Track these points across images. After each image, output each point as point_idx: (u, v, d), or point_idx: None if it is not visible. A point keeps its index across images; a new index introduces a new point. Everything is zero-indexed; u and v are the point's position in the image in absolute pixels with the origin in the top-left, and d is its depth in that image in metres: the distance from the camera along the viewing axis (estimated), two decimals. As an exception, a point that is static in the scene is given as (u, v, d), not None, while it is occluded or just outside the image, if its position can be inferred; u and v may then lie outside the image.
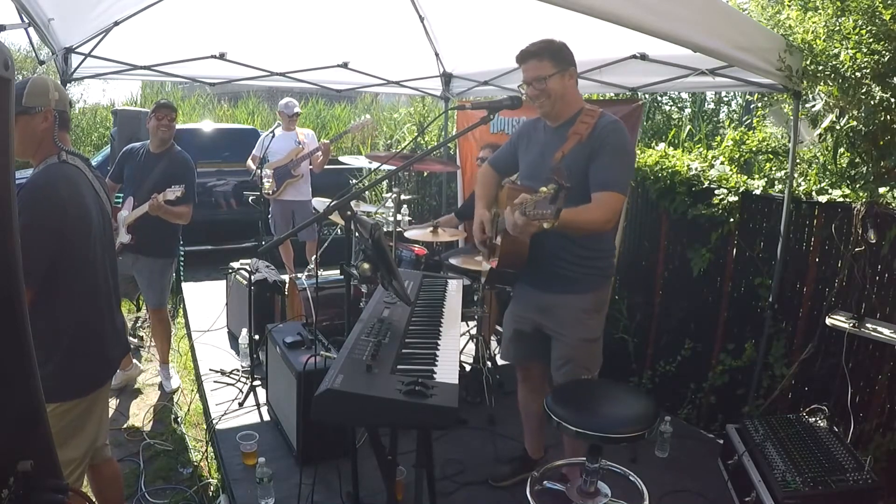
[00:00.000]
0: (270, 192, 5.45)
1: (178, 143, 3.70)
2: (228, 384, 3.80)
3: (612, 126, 2.25)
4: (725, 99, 6.57)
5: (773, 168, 3.76)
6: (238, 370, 3.95)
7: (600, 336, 2.46)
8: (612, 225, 2.27)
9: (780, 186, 3.24)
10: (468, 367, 3.81)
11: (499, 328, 4.60)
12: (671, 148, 4.10)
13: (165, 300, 3.85)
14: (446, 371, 1.67)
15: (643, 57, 3.42)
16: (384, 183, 6.71)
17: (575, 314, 2.37)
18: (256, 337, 3.94)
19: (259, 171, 4.97)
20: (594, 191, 2.19)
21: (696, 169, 3.54)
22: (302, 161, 5.42)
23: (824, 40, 2.89)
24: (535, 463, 2.81)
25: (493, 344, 4.22)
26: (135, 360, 4.08)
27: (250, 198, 5.61)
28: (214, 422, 3.30)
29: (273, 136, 5.13)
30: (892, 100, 2.74)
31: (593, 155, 2.21)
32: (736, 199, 3.28)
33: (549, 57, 2.26)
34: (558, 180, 1.85)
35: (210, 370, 3.99)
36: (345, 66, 4.57)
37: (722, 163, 3.62)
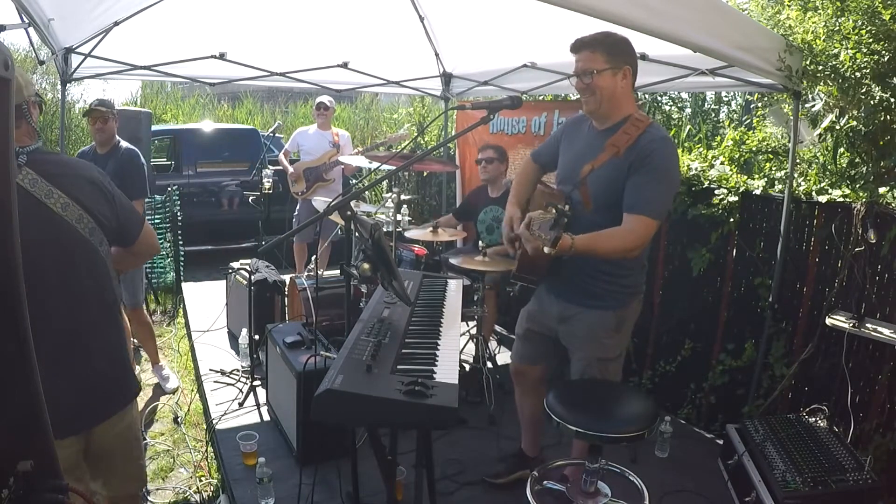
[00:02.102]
0: (299, 192, 5.45)
1: (179, 143, 3.68)
2: (228, 384, 3.80)
3: (658, 143, 2.06)
4: (725, 99, 6.57)
5: (773, 168, 3.76)
6: (238, 370, 3.95)
7: (620, 355, 2.36)
8: (639, 252, 2.13)
9: (780, 186, 3.24)
10: (468, 367, 3.81)
11: (498, 328, 4.61)
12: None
13: (140, 300, 3.84)
14: (446, 371, 1.67)
15: (643, 57, 3.41)
16: (384, 183, 6.71)
17: (593, 332, 2.27)
18: (256, 337, 3.94)
19: (259, 169, 4.98)
20: (625, 211, 2.05)
21: (696, 169, 3.54)
22: (335, 165, 5.41)
23: (824, 40, 2.89)
24: (531, 460, 2.80)
25: (493, 344, 4.21)
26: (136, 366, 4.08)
27: (250, 198, 5.62)
28: (214, 422, 3.30)
29: (274, 136, 5.13)
30: (892, 100, 2.74)
31: (631, 171, 2.05)
32: (736, 199, 3.28)
33: (602, 50, 2.09)
34: (560, 207, 1.79)
35: (210, 370, 3.99)
36: (345, 66, 4.57)
37: (722, 163, 3.62)
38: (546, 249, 1.76)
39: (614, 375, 2.37)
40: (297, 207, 5.62)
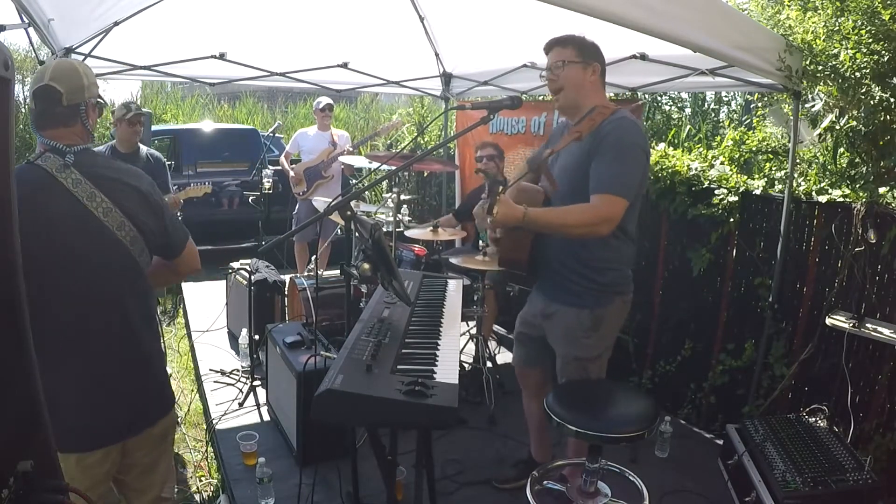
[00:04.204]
0: (300, 192, 5.45)
1: (179, 143, 3.74)
2: (228, 384, 3.80)
3: (616, 123, 2.10)
4: (725, 99, 6.58)
5: (773, 168, 3.76)
6: (238, 370, 3.95)
7: (600, 355, 2.32)
8: (606, 230, 2.09)
9: (780, 186, 3.24)
10: (468, 367, 3.81)
11: (497, 328, 4.61)
12: (671, 148, 4.10)
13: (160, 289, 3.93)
14: (446, 371, 1.67)
15: (643, 57, 3.42)
16: (384, 183, 6.71)
17: (570, 330, 2.27)
18: (256, 337, 3.94)
19: (259, 169, 4.98)
20: (591, 193, 2.09)
21: (696, 169, 3.54)
22: (332, 162, 5.41)
23: (824, 40, 2.89)
24: (540, 466, 2.80)
25: (493, 344, 4.21)
26: None
27: (250, 198, 5.62)
28: (214, 422, 3.30)
29: (274, 136, 5.14)
30: (892, 100, 2.74)
31: (592, 154, 2.10)
32: (736, 199, 3.27)
33: (573, 46, 2.19)
34: (491, 174, 1.86)
35: (210, 370, 3.99)
36: (345, 66, 4.57)
37: (722, 163, 3.62)
38: (488, 219, 1.82)
39: (595, 376, 2.34)
40: (297, 207, 5.63)
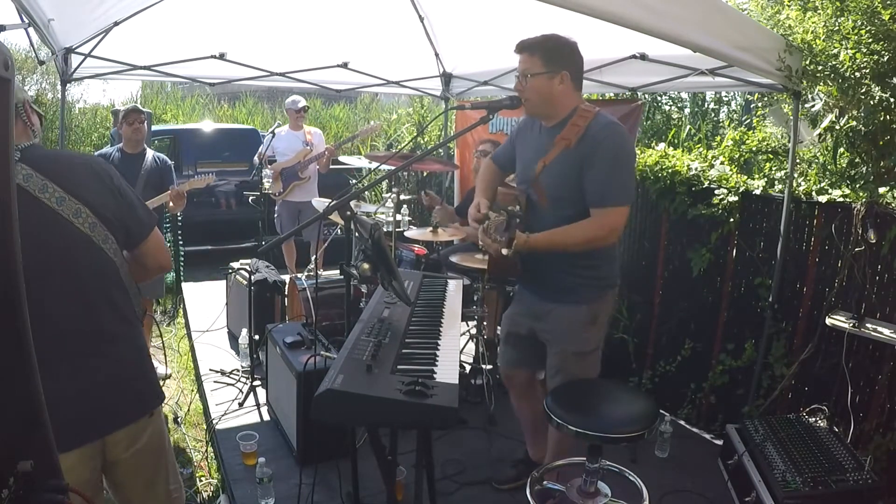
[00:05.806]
0: (276, 193, 5.44)
1: (179, 143, 3.75)
2: (228, 384, 3.80)
3: (606, 130, 2.06)
4: (725, 99, 6.58)
5: (773, 168, 3.76)
6: (238, 370, 3.95)
7: (596, 348, 2.35)
8: (614, 240, 2.12)
9: (780, 186, 3.24)
10: (468, 367, 3.81)
11: (497, 328, 4.62)
12: (671, 148, 4.10)
13: (154, 293, 3.97)
14: (446, 371, 1.67)
15: (643, 57, 3.42)
16: (384, 183, 6.71)
17: (569, 326, 2.27)
18: (256, 337, 3.94)
19: (258, 168, 4.96)
20: (589, 206, 2.07)
21: (696, 169, 3.54)
22: (309, 163, 5.39)
23: (824, 40, 2.89)
24: (538, 466, 2.80)
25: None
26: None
27: (250, 198, 5.61)
28: (214, 422, 3.30)
29: (273, 135, 5.15)
30: (892, 100, 2.74)
31: (585, 163, 2.06)
32: (736, 199, 3.27)
33: (540, 55, 2.11)
34: (510, 209, 1.84)
35: (210, 370, 3.99)
36: (345, 66, 4.57)
37: (722, 163, 3.62)
38: (504, 251, 1.82)
39: (592, 368, 2.36)
40: (277, 208, 5.60)
